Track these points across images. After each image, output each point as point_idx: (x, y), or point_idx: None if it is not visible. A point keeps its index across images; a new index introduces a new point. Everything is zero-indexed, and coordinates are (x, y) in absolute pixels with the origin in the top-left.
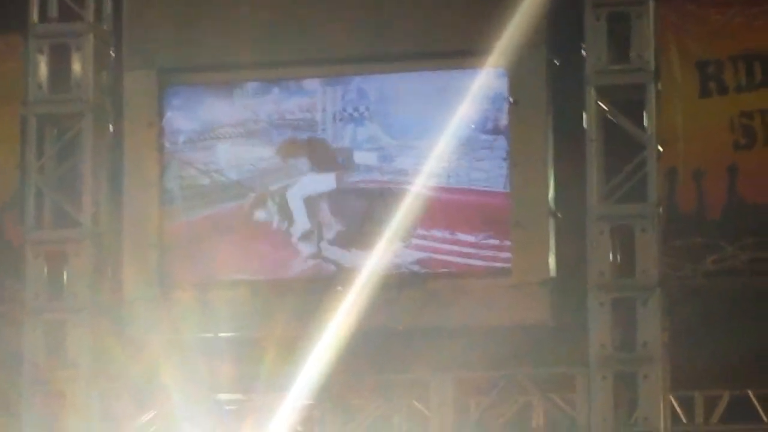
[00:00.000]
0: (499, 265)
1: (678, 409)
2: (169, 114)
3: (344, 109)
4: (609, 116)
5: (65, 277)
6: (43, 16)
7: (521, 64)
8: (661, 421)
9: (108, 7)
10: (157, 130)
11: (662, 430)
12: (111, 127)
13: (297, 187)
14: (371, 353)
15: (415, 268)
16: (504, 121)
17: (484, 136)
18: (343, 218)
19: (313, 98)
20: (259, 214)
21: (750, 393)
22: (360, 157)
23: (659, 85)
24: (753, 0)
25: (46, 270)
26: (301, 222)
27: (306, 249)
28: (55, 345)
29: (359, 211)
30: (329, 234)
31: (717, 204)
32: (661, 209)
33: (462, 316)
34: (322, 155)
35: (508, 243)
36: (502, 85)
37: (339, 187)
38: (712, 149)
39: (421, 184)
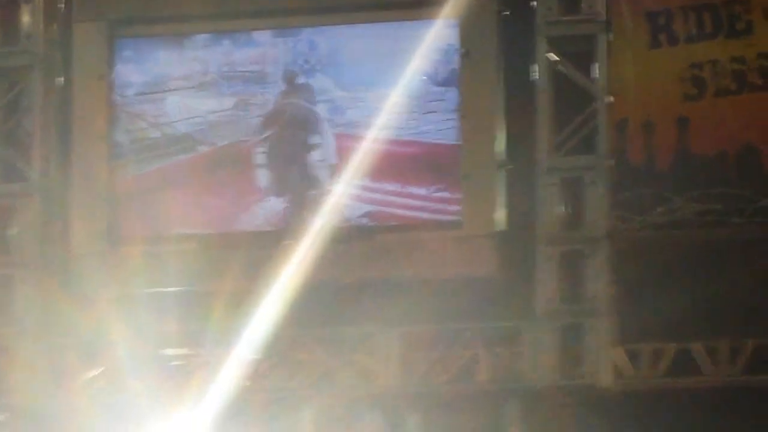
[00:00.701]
0: (448, 218)
1: (624, 361)
2: (119, 66)
3: (295, 61)
4: (559, 67)
5: (13, 232)
6: None
7: (472, 14)
8: (608, 373)
9: None
10: (106, 82)
11: (608, 383)
12: (60, 80)
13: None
14: (319, 307)
15: (365, 221)
16: (455, 72)
17: (435, 88)
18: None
19: (263, 50)
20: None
21: (696, 345)
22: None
23: (610, 36)
24: None
25: None
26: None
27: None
28: (1, 301)
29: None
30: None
31: (666, 156)
32: (610, 161)
33: (411, 270)
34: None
35: (457, 196)
36: (453, 37)
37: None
38: (662, 100)
39: (371, 136)
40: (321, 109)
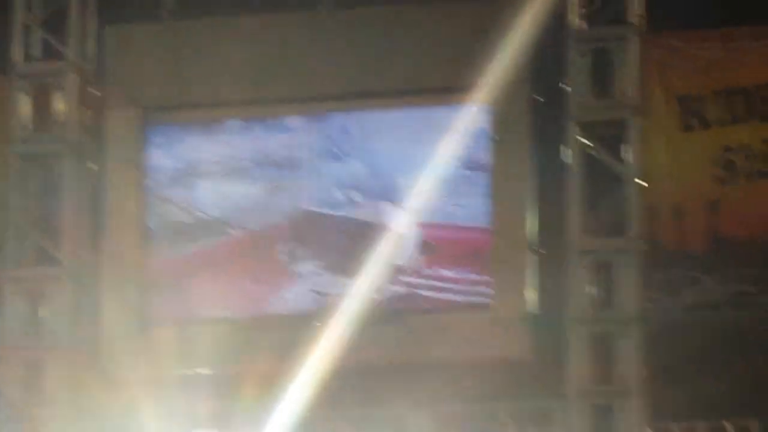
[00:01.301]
0: (479, 300)
1: None
2: (151, 152)
3: (327, 147)
4: (591, 151)
5: (44, 314)
6: (27, 55)
7: (504, 100)
8: None
9: (91, 46)
10: (139, 168)
11: None
12: (94, 166)
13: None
14: (350, 389)
15: (396, 303)
16: (487, 157)
17: (466, 172)
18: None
19: (295, 136)
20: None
21: (727, 424)
22: (342, 194)
23: (641, 120)
24: (735, 35)
25: (25, 307)
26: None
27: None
28: (33, 382)
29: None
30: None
31: (698, 238)
32: (641, 243)
33: (442, 352)
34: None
35: (488, 278)
36: (486, 122)
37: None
38: (694, 184)
39: (403, 220)
40: (353, 195)
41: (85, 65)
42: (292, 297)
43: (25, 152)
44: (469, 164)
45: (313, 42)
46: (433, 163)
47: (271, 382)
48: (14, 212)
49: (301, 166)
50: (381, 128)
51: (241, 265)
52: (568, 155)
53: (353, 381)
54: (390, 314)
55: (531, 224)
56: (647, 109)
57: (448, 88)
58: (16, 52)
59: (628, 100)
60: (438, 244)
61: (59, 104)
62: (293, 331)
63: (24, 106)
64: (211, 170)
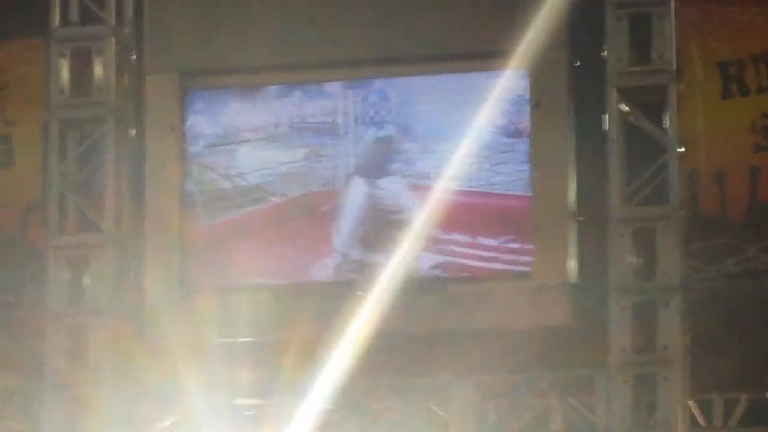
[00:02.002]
0: (520, 268)
1: (697, 413)
2: (190, 118)
3: (366, 113)
4: (630, 118)
5: (87, 281)
6: (65, 20)
7: (542, 65)
8: (680, 424)
9: (129, 10)
10: (178, 134)
11: None
12: (132, 132)
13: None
14: (391, 357)
15: (436, 272)
16: (525, 123)
17: (505, 139)
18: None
19: (334, 101)
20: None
21: None
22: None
23: (681, 87)
24: None
25: (68, 274)
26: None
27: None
28: (76, 350)
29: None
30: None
31: (739, 206)
32: (682, 211)
33: (483, 320)
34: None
35: (529, 246)
36: (524, 87)
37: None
38: (734, 151)
39: (442, 187)
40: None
41: (123, 30)
42: (333, 264)
43: (64, 118)
44: (508, 131)
45: (350, 7)
46: (471, 129)
47: (312, 350)
48: (54, 179)
49: (340, 132)
50: (419, 94)
51: (282, 232)
52: (607, 122)
53: (395, 349)
54: (431, 282)
55: (571, 192)
56: (687, 76)
57: (486, 53)
58: (54, 17)
59: (667, 66)
60: (477, 212)
61: (98, 69)
62: (334, 298)
63: (62, 71)
64: (251, 136)
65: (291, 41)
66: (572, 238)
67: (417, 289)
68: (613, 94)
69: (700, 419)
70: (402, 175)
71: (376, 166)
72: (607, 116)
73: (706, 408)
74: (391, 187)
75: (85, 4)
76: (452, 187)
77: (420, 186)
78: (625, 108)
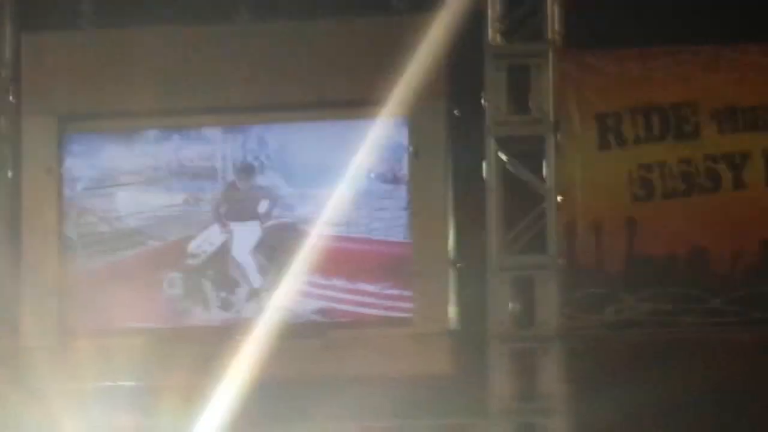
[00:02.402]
0: (399, 315)
1: None
2: (68, 161)
3: (244, 158)
4: (509, 167)
5: None
6: None
7: (421, 114)
8: None
9: (7, 52)
10: (55, 177)
11: None
12: (9, 174)
13: (236, 244)
14: (271, 403)
15: (316, 317)
16: (404, 170)
17: (384, 186)
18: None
19: (213, 146)
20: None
21: None
22: (261, 206)
23: (559, 137)
24: (650, 54)
25: None
26: (253, 280)
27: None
28: None
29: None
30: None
31: (616, 256)
32: (560, 261)
33: (363, 366)
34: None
35: (408, 293)
36: (402, 135)
37: (263, 235)
38: (611, 201)
39: (320, 233)
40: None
41: (1, 72)
42: (211, 309)
43: None
44: (386, 178)
45: (229, 53)
46: (350, 175)
47: (192, 395)
48: None
49: (218, 177)
50: (298, 141)
51: (161, 276)
52: (485, 170)
53: (274, 395)
54: (311, 328)
55: (450, 239)
56: (565, 126)
57: (365, 101)
58: None
59: (545, 117)
60: (357, 258)
61: None
62: (213, 343)
63: None
64: (129, 180)
65: (170, 86)
66: (452, 285)
67: (297, 334)
68: (491, 143)
69: None
70: (281, 220)
71: (243, 211)
72: (485, 164)
73: None
74: (254, 231)
75: None
76: (332, 233)
77: (298, 231)
78: (503, 157)
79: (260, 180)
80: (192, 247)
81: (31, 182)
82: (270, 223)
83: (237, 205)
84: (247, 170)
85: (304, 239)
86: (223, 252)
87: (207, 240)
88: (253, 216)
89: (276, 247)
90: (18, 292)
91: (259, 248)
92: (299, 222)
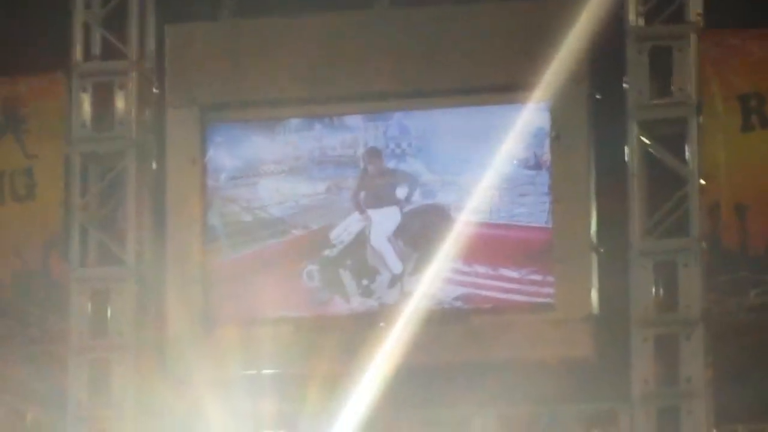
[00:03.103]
0: (541, 300)
1: None
2: (211, 151)
3: (386, 146)
4: (651, 150)
5: (109, 315)
6: (87, 55)
7: (563, 98)
8: None
9: (151, 44)
10: (199, 167)
11: None
12: (154, 165)
13: (374, 231)
14: (414, 389)
15: (458, 303)
16: (546, 156)
17: (526, 172)
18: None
19: (355, 134)
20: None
21: None
22: (400, 191)
23: (701, 119)
24: None
25: (90, 308)
26: (393, 266)
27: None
28: (99, 383)
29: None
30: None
31: (760, 239)
32: (703, 244)
33: (505, 352)
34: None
35: (550, 278)
36: (545, 120)
37: (403, 221)
38: (755, 183)
39: (463, 219)
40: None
41: (145, 64)
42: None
43: (86, 151)
44: (529, 163)
45: (370, 40)
46: (493, 162)
47: (335, 383)
48: (75, 212)
49: (361, 165)
50: (440, 127)
51: (303, 264)
52: (627, 154)
53: (417, 382)
54: (453, 314)
55: (592, 224)
56: (707, 109)
57: (507, 86)
58: (76, 52)
59: (687, 99)
60: (499, 244)
61: (119, 103)
62: (357, 331)
63: (84, 105)
64: (272, 169)
65: (312, 75)
66: (594, 270)
67: (439, 320)
68: (634, 127)
69: None
70: (424, 208)
71: (380, 197)
72: (627, 149)
73: None
74: (393, 216)
75: (107, 39)
76: (474, 219)
77: (439, 216)
78: (645, 141)
79: (401, 166)
80: (332, 236)
81: (176, 173)
82: (410, 207)
83: (373, 192)
84: (374, 153)
85: (446, 225)
86: (360, 240)
87: (346, 229)
88: (391, 201)
89: (416, 232)
90: (163, 282)
91: (398, 233)
92: (440, 207)
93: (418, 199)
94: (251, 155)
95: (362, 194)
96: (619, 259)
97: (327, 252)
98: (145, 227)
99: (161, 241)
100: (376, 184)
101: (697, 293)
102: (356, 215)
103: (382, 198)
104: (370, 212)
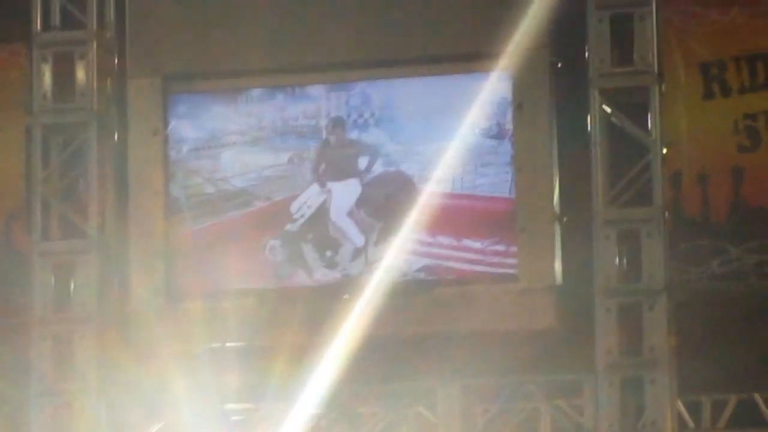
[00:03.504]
0: (505, 271)
1: (685, 414)
2: (173, 122)
3: (348, 115)
4: (613, 119)
5: (72, 287)
6: (46, 25)
7: (525, 67)
8: (669, 426)
9: (111, 14)
10: (161, 138)
11: None
12: (116, 137)
13: (334, 205)
14: (378, 361)
15: (422, 275)
16: (509, 125)
17: (488, 141)
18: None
19: (317, 104)
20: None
21: (757, 396)
22: (361, 162)
23: (663, 88)
24: (755, 0)
25: (53, 280)
26: (355, 239)
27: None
28: (62, 356)
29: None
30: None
31: (722, 207)
32: (666, 213)
33: (469, 323)
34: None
35: (514, 249)
36: (506, 89)
37: (364, 192)
38: (717, 152)
39: (426, 190)
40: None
41: (105, 34)
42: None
43: (47, 123)
44: (491, 133)
45: (332, 10)
46: (454, 131)
47: (299, 355)
48: (38, 184)
49: (322, 135)
50: (403, 97)
51: (267, 235)
52: (589, 123)
53: (381, 354)
54: (417, 286)
55: (555, 194)
56: (668, 77)
57: (468, 55)
58: (36, 22)
59: (649, 68)
60: (462, 215)
61: (80, 74)
62: (321, 303)
63: (45, 76)
64: (234, 140)
65: (274, 44)
66: (557, 241)
67: (403, 292)
68: (595, 96)
69: (688, 420)
70: (385, 178)
71: (340, 170)
72: (589, 117)
73: (694, 409)
74: (353, 189)
75: (66, 9)
76: (437, 190)
77: (400, 185)
78: (607, 109)
79: (363, 136)
80: (293, 209)
81: (138, 145)
82: (371, 176)
83: (334, 164)
84: (337, 124)
85: (408, 193)
86: (321, 214)
87: (306, 202)
88: (352, 173)
89: (378, 202)
90: (127, 254)
91: (360, 204)
92: (402, 174)
93: (378, 168)
94: (213, 126)
95: (323, 166)
96: (582, 229)
97: (289, 226)
98: (108, 199)
99: (124, 213)
100: (337, 155)
101: (661, 263)
102: (316, 188)
103: (342, 170)
104: (330, 185)
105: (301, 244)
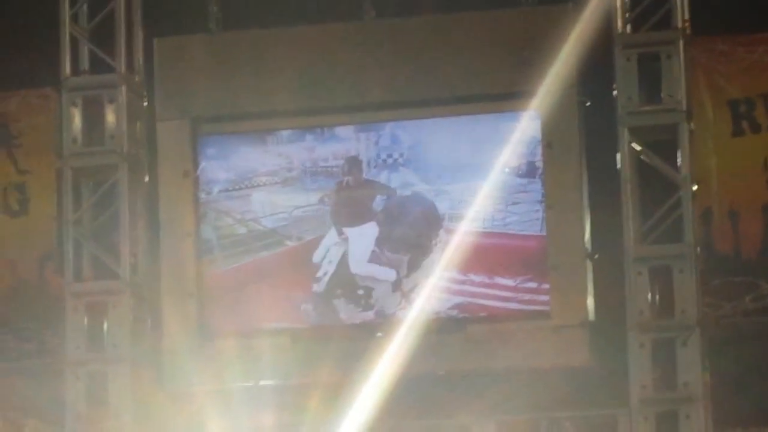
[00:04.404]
0: (537, 308)
1: None
2: (203, 163)
3: (378, 156)
4: (642, 157)
5: (105, 327)
6: (75, 69)
7: (554, 106)
8: None
9: (140, 57)
10: (192, 179)
11: None
12: (146, 178)
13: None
14: (413, 399)
15: (454, 312)
16: (538, 164)
17: (518, 180)
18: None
19: (347, 145)
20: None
21: None
22: (377, 202)
23: (692, 125)
24: None
25: (86, 321)
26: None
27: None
28: (96, 396)
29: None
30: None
31: (753, 243)
32: (698, 249)
33: (502, 360)
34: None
35: (546, 286)
36: (536, 128)
37: (382, 231)
38: (747, 188)
39: (458, 228)
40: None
41: (134, 77)
42: (352, 307)
43: (78, 166)
44: (521, 171)
45: (361, 51)
46: (484, 170)
47: (333, 393)
48: (69, 227)
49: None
50: (432, 137)
51: (298, 275)
52: (619, 161)
53: (415, 391)
54: (450, 324)
55: (585, 231)
56: (697, 114)
57: (498, 95)
58: (65, 66)
59: (677, 105)
60: (493, 253)
61: (110, 117)
62: (355, 341)
63: (75, 120)
64: (264, 181)
65: (302, 86)
66: (589, 277)
67: (436, 330)
68: (624, 134)
69: None
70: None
71: (356, 214)
72: (619, 155)
73: None
74: (370, 232)
75: (95, 53)
76: (468, 228)
77: (436, 228)
78: (636, 147)
79: (393, 177)
80: (315, 259)
81: (168, 186)
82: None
83: (349, 207)
84: (353, 164)
85: (426, 216)
86: (343, 267)
87: (326, 257)
88: (367, 217)
89: (398, 236)
90: (159, 294)
91: (380, 244)
92: (417, 199)
93: (395, 209)
94: (244, 167)
95: (339, 209)
96: (613, 266)
97: (315, 287)
98: (139, 240)
99: (155, 254)
100: (353, 196)
101: (693, 298)
102: (334, 234)
103: (357, 214)
104: (347, 231)
105: (332, 301)
